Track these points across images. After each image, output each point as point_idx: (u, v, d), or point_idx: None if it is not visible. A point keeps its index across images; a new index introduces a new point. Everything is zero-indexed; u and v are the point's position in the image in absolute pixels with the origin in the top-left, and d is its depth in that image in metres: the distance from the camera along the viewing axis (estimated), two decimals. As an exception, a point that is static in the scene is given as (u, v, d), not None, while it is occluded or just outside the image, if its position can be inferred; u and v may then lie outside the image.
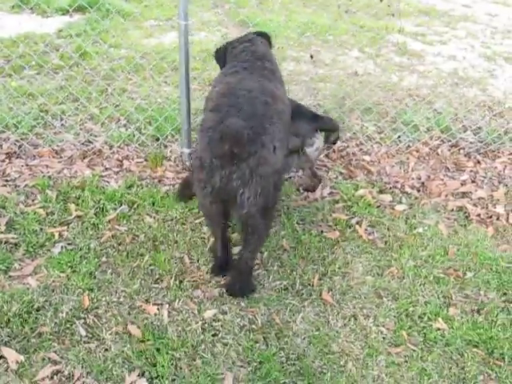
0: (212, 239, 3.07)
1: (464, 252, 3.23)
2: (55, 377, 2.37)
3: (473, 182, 3.93)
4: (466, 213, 3.58)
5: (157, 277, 2.92)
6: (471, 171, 4.05)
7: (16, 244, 3.05)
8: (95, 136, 4.06)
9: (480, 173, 4.03)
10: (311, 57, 5.51)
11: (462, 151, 4.27)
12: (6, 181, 3.54)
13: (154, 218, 3.32)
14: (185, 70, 3.52)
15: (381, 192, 3.72)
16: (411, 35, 6.72)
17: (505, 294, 2.98)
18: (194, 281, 2.90)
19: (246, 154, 2.38)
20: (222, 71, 3.20)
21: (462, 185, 3.86)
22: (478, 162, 4.17)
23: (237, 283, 2.83)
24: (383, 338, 2.68)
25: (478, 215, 3.57)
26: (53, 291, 2.77)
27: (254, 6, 6.89)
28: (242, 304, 2.79)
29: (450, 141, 4.29)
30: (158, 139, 4.03)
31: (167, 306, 2.74)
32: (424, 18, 7.34)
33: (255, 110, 2.56)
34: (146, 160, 3.87)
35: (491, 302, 2.91)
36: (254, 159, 2.41)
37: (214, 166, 2.41)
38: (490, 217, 3.58)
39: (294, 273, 3.00)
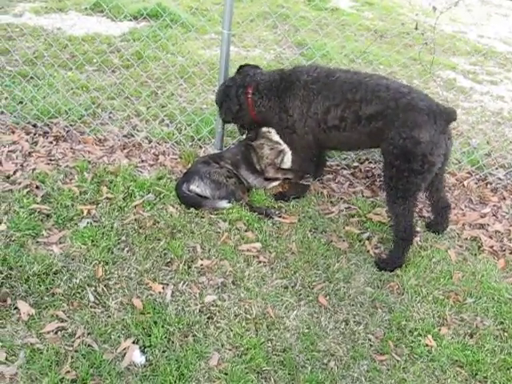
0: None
1: (469, 279, 3.27)
2: (59, 332, 2.61)
3: (493, 215, 3.96)
4: (479, 243, 3.61)
5: (168, 260, 3.14)
6: (494, 206, 4.06)
7: (48, 215, 3.36)
8: (138, 131, 4.37)
9: (503, 208, 4.05)
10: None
11: (489, 186, 4.30)
12: (50, 160, 3.89)
13: (177, 208, 3.55)
14: (223, 76, 3.76)
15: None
16: (463, 72, 6.77)
17: (502, 323, 3.00)
18: (201, 268, 3.10)
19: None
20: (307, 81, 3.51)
21: (481, 217, 3.89)
22: (504, 198, 4.18)
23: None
24: (370, 344, 2.78)
25: (491, 247, 3.59)
26: (72, 259, 3.04)
27: (311, 29, 7.12)
28: (242, 295, 2.96)
29: (478, 174, 4.32)
30: (194, 139, 4.28)
31: (172, 286, 2.95)
32: (480, 57, 7.36)
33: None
34: (180, 157, 4.13)
35: (486, 328, 2.95)
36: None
37: (439, 137, 3.15)
38: (504, 250, 3.60)
39: (297, 274, 3.14)
